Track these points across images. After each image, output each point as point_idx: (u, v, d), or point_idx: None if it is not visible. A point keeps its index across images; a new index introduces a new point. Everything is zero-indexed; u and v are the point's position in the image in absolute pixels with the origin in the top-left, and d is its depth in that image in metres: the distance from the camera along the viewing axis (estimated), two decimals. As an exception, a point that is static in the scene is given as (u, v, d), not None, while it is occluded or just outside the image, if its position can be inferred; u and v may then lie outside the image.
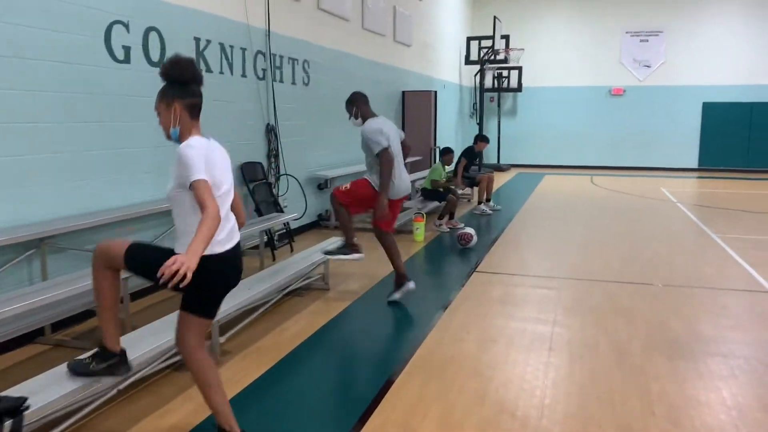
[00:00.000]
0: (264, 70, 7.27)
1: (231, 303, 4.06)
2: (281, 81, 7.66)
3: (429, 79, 14.68)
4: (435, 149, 12.80)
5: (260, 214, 6.78)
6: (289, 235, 7.38)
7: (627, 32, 18.67)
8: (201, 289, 2.66)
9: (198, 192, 2.47)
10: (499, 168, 18.34)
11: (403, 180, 5.23)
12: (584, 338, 4.41)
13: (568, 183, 15.17)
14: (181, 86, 2.67)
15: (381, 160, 4.98)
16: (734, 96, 17.93)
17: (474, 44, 17.68)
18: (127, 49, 5.12)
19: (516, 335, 4.48)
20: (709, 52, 18.03)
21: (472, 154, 10.52)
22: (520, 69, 18.94)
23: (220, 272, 2.68)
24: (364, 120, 5.21)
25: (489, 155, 19.74)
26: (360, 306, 5.26)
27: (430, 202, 9.10)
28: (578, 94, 19.23)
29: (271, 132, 7.38)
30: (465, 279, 6.07)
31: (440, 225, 8.63)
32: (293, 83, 7.99)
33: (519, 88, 19.16)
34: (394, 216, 5.41)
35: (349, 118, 5.33)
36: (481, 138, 10.72)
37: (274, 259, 6.81)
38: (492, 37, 16.10)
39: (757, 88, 17.77)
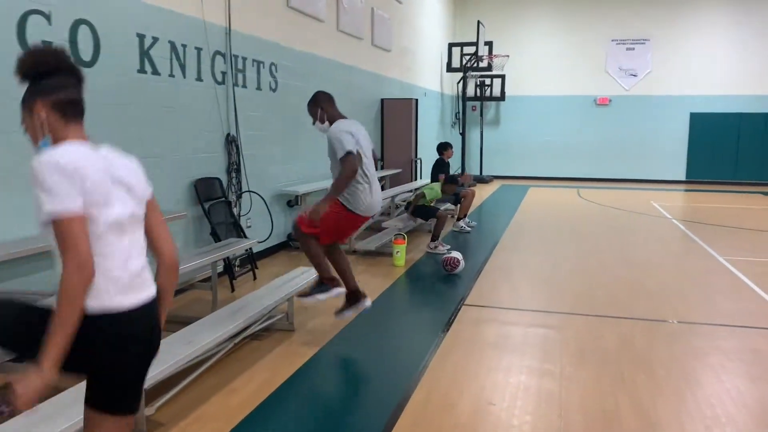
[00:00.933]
0: (224, 73, 6.42)
1: (165, 364, 3.20)
2: (244, 86, 6.81)
3: (409, 86, 13.92)
4: (416, 161, 12.02)
5: (217, 239, 5.91)
6: (252, 260, 6.51)
7: (613, 40, 18.13)
8: (98, 373, 1.83)
9: (59, 231, 1.67)
10: (482, 180, 17.63)
11: (376, 196, 4.46)
12: (601, 398, 3.61)
13: (555, 196, 14.49)
14: (43, 80, 1.84)
15: (343, 165, 4.20)
16: (722, 106, 17.46)
17: (456, 51, 16.98)
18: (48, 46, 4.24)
19: (518, 395, 3.67)
20: (697, 61, 17.55)
21: (443, 166, 9.79)
22: (503, 77, 18.29)
23: (120, 342, 1.83)
24: (331, 123, 4.43)
25: (471, 166, 19.05)
26: (330, 353, 4.41)
27: (416, 219, 8.29)
28: (563, 103, 18.63)
29: (231, 143, 6.51)
30: (452, 314, 5.26)
31: (435, 248, 7.80)
32: (258, 88, 7.14)
33: (502, 97, 18.51)
34: (347, 234, 4.77)
35: (314, 123, 4.55)
36: (445, 146, 9.95)
37: (233, 290, 5.94)
38: (475, 44, 15.40)
39: (745, 99, 17.32)
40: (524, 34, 18.62)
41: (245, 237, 6.43)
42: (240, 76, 6.71)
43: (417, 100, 11.89)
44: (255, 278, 6.38)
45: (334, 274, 4.61)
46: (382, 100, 11.77)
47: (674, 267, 7.15)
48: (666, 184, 17.63)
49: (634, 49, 18.00)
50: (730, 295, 5.93)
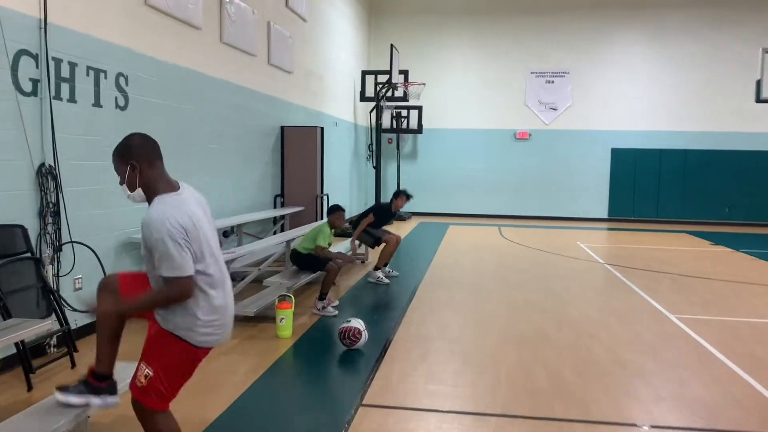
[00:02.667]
0: (35, 81, 4.67)
1: None
2: (72, 100, 5.06)
3: (317, 114, 12.45)
4: (321, 197, 10.47)
5: (7, 315, 4.07)
6: (69, 340, 4.67)
7: (532, 72, 17.44)
8: None
9: None
10: (400, 217, 16.28)
11: (227, 318, 2.82)
12: None
13: (476, 235, 13.28)
14: None
15: (169, 288, 2.59)
16: (643, 142, 17.02)
17: (370, 79, 15.71)
18: None
19: None
20: (616, 95, 17.09)
21: (385, 214, 8.32)
22: (420, 109, 17.18)
23: None
24: (148, 194, 2.72)
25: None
26: None
27: (303, 272, 6.66)
28: (482, 136, 17.70)
29: (46, 176, 4.73)
30: (346, 426, 3.66)
31: (324, 308, 6.21)
32: (97, 105, 5.40)
33: (419, 129, 17.36)
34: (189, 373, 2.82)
35: (121, 184, 2.80)
36: (401, 195, 8.45)
37: (29, 388, 4.10)
38: (389, 71, 14.14)
39: (664, 135, 16.95)
40: (441, 64, 17.65)
41: (60, 308, 4.60)
42: (64, 86, 4.97)
43: (322, 128, 10.40)
44: (73, 365, 4.55)
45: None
46: (283, 127, 10.20)
47: (623, 332, 5.86)
48: (588, 222, 16.89)
49: (553, 81, 17.37)
50: (704, 376, 4.64)
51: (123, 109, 5.77)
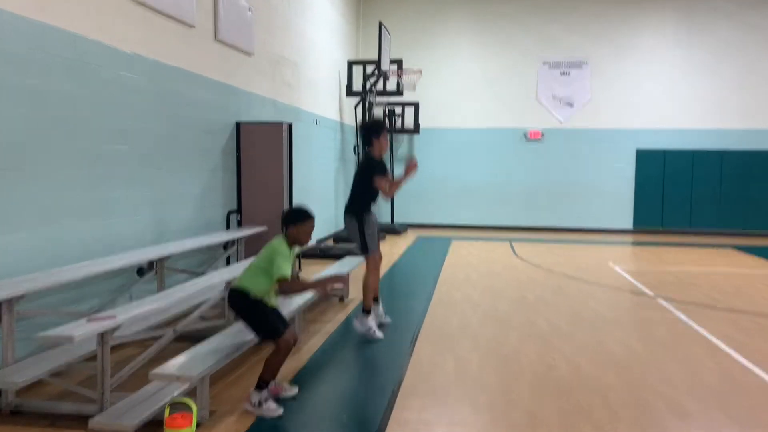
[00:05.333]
0: None
1: None
2: None
3: (292, 110, 10.20)
4: (290, 214, 8.20)
5: None
6: None
7: (545, 63, 15.21)
8: None
9: None
10: (394, 230, 14.03)
11: None
12: None
13: (484, 254, 11.01)
14: None
15: None
16: (673, 142, 14.79)
17: (358, 71, 13.46)
18: None
19: None
20: (641, 89, 14.86)
21: (382, 164, 5.91)
22: (416, 105, 14.93)
23: None
24: None
25: (381, 213, 15.41)
26: None
27: (244, 333, 4.35)
28: (488, 137, 15.45)
29: None
30: None
31: (261, 404, 3.86)
32: None
33: (416, 129, 15.10)
34: None
35: None
36: (377, 130, 5.79)
37: None
38: (377, 56, 11.84)
39: (697, 133, 14.72)
40: (440, 53, 15.41)
41: None
42: None
43: (290, 125, 8.13)
44: None
45: None
46: (239, 124, 7.94)
47: (735, 424, 3.61)
48: (611, 235, 14.63)
49: (569, 73, 15.13)
50: None
51: None
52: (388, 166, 14.92)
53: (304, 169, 10.63)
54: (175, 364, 3.70)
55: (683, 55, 14.69)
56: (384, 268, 9.40)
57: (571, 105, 15.17)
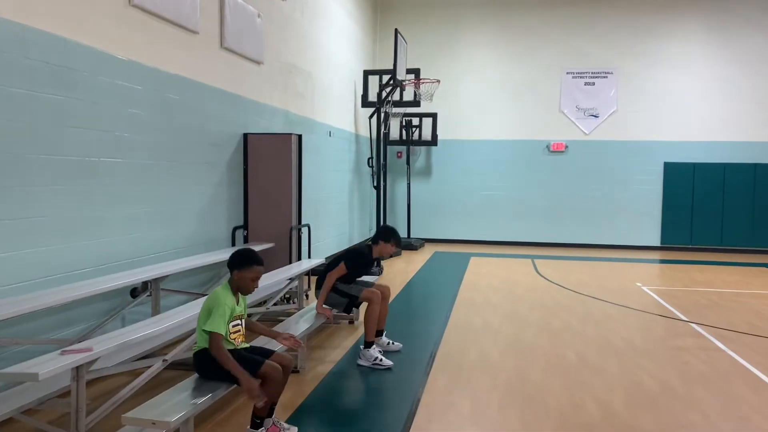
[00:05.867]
0: None
1: None
2: None
3: (305, 121, 9.84)
4: (299, 230, 7.80)
5: None
6: None
7: (568, 73, 14.69)
8: None
9: None
10: (410, 245, 13.57)
11: None
12: None
13: (505, 272, 10.50)
14: None
15: None
16: (702, 155, 14.15)
17: (374, 81, 13.06)
18: None
19: None
20: (671, 100, 14.27)
21: (364, 262, 5.54)
22: (434, 116, 14.49)
23: None
24: None
25: (397, 228, 14.95)
26: None
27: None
28: (508, 149, 14.95)
29: None
30: None
31: None
32: None
33: (434, 141, 14.66)
34: None
35: None
36: (387, 235, 5.47)
37: None
38: (393, 64, 11.44)
39: (729, 146, 14.08)
40: (459, 63, 14.98)
41: None
42: None
43: (300, 136, 7.74)
44: None
45: None
46: (246, 135, 7.57)
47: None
48: (637, 252, 14.01)
49: (594, 84, 14.60)
50: None
51: None
52: (405, 174, 14.58)
53: (317, 183, 10.24)
54: (154, 404, 3.28)
55: (714, 65, 14.09)
56: (398, 286, 8.96)
57: (595, 116, 14.62)
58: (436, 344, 5.91)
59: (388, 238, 5.47)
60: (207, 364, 3.53)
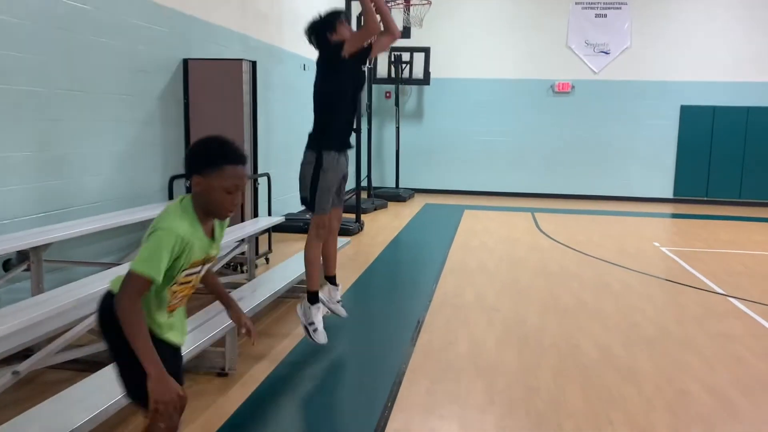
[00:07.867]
0: None
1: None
2: None
3: (272, 49, 8.32)
4: (255, 181, 6.42)
5: None
6: None
7: (577, 3, 13.06)
8: None
9: None
10: (399, 196, 12.24)
11: None
12: None
13: (503, 229, 9.20)
14: None
15: None
16: (723, 98, 12.69)
17: (357, 6, 11.39)
18: None
19: None
20: (688, 35, 12.70)
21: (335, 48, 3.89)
22: (426, 51, 12.90)
23: None
24: None
25: (384, 177, 13.67)
26: None
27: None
28: (509, 89, 13.43)
29: None
30: None
31: None
32: None
33: (426, 80, 13.10)
34: None
35: None
36: (333, 17, 4.00)
37: None
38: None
39: (753, 87, 12.62)
40: (457, -9, 13.30)
41: None
42: None
43: (254, 63, 6.26)
44: None
45: None
46: (186, 61, 6.09)
47: None
48: (648, 204, 12.72)
49: (605, 15, 12.99)
50: None
51: None
52: (393, 116, 13.15)
53: (287, 124, 8.80)
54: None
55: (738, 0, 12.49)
56: (380, 245, 7.67)
57: (606, 53, 13.07)
58: (403, 343, 4.61)
59: (337, 17, 3.94)
60: (116, 322, 1.98)
